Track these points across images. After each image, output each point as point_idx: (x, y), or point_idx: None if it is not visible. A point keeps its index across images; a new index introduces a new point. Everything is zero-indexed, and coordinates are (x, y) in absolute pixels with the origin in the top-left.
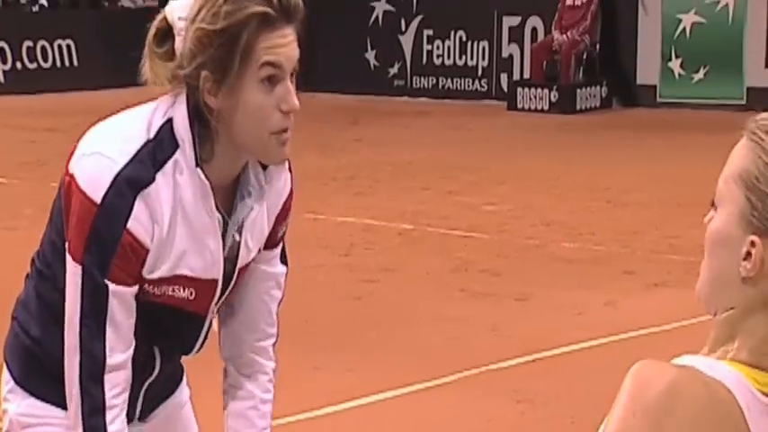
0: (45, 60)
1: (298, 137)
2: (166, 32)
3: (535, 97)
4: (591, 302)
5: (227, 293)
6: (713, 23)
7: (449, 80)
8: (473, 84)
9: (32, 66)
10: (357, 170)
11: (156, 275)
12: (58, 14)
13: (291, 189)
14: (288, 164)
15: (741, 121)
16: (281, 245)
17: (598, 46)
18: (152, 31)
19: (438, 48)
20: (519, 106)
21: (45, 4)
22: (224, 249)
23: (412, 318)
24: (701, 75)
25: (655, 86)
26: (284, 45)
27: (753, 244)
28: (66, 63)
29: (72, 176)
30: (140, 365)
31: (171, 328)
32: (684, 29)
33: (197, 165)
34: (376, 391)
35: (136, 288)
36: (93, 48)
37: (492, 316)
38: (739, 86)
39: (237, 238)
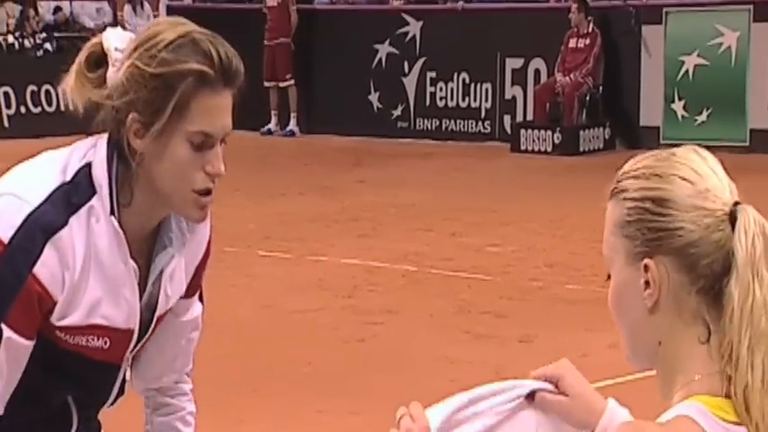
0: (49, 105)
1: (300, 178)
2: (100, 58)
3: (538, 139)
4: (595, 344)
5: (143, 342)
6: (716, 65)
7: (452, 122)
8: (476, 125)
9: (36, 110)
10: (360, 212)
11: (66, 323)
12: (62, 58)
13: (210, 235)
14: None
15: (745, 163)
16: (200, 287)
17: (601, 88)
18: (84, 53)
19: (441, 89)
20: (522, 148)
21: (50, 48)
22: (141, 298)
23: (415, 360)
24: (704, 117)
25: (658, 128)
26: (219, 112)
27: (646, 268)
28: (71, 107)
29: None
30: (57, 421)
31: (85, 378)
32: (687, 71)
33: (111, 212)
34: None
35: (31, 344)
36: None
37: (496, 358)
38: (742, 128)
39: (157, 286)
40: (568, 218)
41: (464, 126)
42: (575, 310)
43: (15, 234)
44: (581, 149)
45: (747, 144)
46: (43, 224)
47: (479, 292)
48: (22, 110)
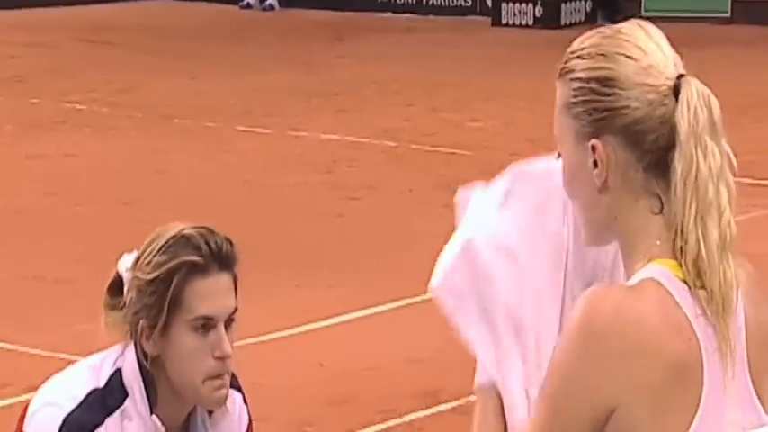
0: None
1: (280, 53)
2: (119, 285)
3: (519, 12)
4: None
5: None
6: None
7: None
8: None
9: None
10: (340, 87)
11: None
12: None
13: (250, 419)
14: (243, 396)
15: (726, 34)
16: None
17: None
18: (107, 284)
19: None
20: (503, 21)
21: None
22: None
23: (394, 235)
24: None
25: (640, 0)
26: (216, 293)
27: (594, 149)
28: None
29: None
30: None
31: None
32: None
33: (152, 412)
34: (357, 308)
35: None
36: None
37: None
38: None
39: None
40: (549, 93)
41: (445, 0)
42: None
43: None
44: (562, 23)
45: (729, 15)
46: (80, 424)
47: (459, 167)
48: None
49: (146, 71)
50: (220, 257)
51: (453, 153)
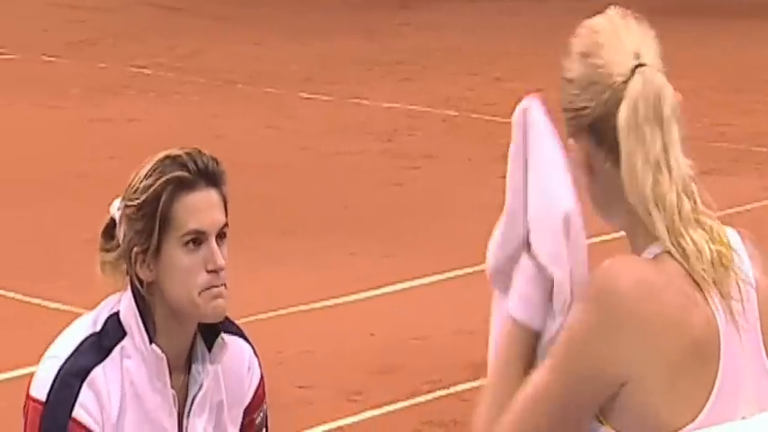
0: None
1: (344, 19)
2: (113, 228)
3: None
4: None
5: None
6: None
7: None
8: None
9: None
10: (404, 55)
11: None
12: None
13: (261, 375)
14: (253, 350)
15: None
16: None
17: None
18: (101, 228)
19: None
20: None
21: None
22: (182, 427)
23: (452, 205)
24: None
25: None
26: (206, 208)
27: (570, 148)
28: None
29: (27, 394)
30: None
31: None
32: None
33: (151, 341)
34: (410, 278)
35: None
36: None
37: None
38: None
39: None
40: None
41: None
42: None
43: (51, 388)
44: None
45: None
46: (76, 370)
47: None
48: None
49: (211, 37)
50: (207, 173)
51: None
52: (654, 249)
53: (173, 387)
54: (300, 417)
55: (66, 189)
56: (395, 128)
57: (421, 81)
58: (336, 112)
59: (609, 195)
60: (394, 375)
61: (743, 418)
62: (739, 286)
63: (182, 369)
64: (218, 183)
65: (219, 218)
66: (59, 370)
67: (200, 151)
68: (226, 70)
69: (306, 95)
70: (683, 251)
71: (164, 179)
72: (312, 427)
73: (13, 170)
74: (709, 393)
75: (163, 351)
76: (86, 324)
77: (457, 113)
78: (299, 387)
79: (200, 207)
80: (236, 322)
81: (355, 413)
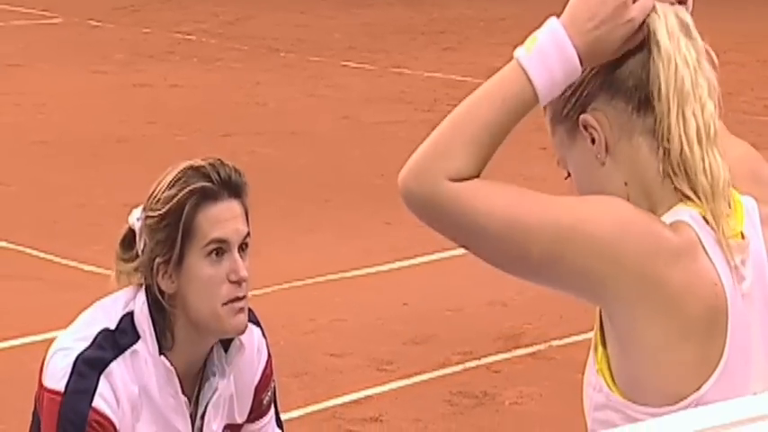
0: None
1: None
2: (131, 238)
3: None
4: None
5: None
6: None
7: None
8: None
9: None
10: (447, 25)
11: None
12: None
13: (269, 354)
14: (261, 331)
15: None
16: (270, 411)
17: None
18: (119, 239)
19: None
20: None
21: None
22: (194, 430)
23: (490, 176)
24: None
25: None
26: (228, 218)
27: (585, 124)
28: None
29: (40, 384)
30: None
31: None
32: None
33: (161, 353)
34: (444, 249)
35: None
36: None
37: None
38: None
39: (203, 420)
40: None
41: None
42: None
43: (69, 378)
44: None
45: None
46: (93, 360)
47: None
48: None
49: (255, 3)
50: (230, 185)
51: None
52: (680, 214)
53: (185, 394)
54: (330, 385)
55: (107, 153)
56: (435, 98)
57: (463, 51)
58: (378, 81)
59: (623, 171)
60: (425, 346)
61: (754, 393)
62: (751, 260)
63: (196, 375)
64: (241, 193)
65: (242, 228)
66: (75, 360)
67: (222, 162)
68: (269, 37)
69: (347, 64)
70: (690, 184)
71: (187, 189)
72: (341, 395)
73: (56, 134)
74: (716, 365)
75: (173, 364)
76: (98, 318)
77: None
78: (331, 355)
79: (223, 217)
80: (270, 290)
81: (385, 382)
